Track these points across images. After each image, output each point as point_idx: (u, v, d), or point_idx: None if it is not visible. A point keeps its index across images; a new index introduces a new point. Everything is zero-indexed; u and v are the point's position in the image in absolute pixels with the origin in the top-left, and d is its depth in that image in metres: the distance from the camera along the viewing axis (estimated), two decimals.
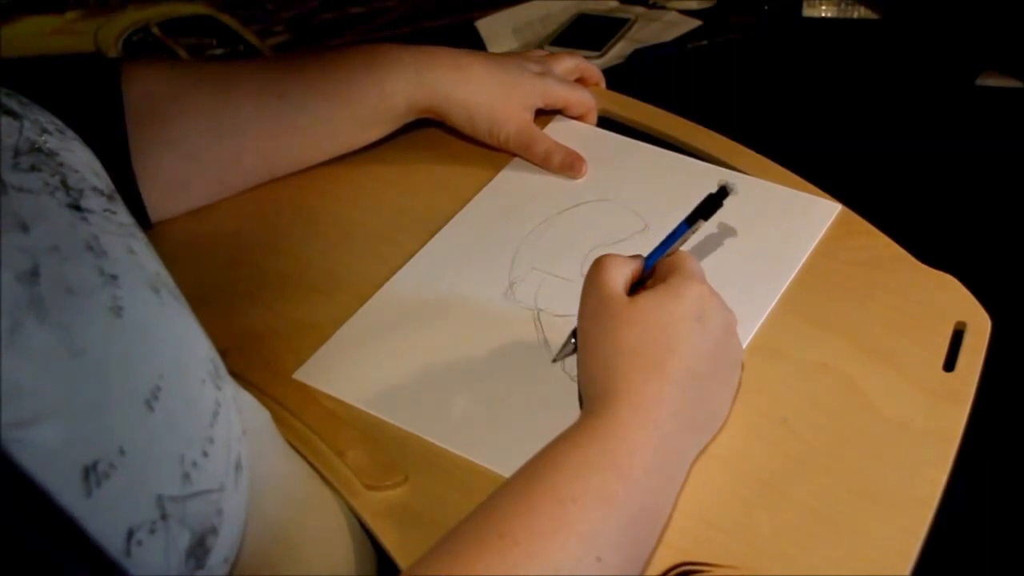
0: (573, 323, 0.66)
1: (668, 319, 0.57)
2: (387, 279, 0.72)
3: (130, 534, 0.40)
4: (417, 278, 0.72)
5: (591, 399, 0.57)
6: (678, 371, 0.56)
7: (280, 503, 0.56)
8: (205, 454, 0.45)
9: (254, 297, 0.72)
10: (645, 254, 0.62)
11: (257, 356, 0.67)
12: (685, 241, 0.63)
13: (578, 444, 0.54)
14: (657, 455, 0.54)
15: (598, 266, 0.60)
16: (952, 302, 0.66)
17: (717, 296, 0.60)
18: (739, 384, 0.62)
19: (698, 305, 0.58)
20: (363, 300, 0.70)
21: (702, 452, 0.59)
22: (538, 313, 0.68)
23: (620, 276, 0.60)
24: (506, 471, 0.59)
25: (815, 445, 0.59)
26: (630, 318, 0.57)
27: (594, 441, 0.53)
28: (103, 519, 0.39)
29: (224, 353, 0.65)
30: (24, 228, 0.42)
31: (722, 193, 0.62)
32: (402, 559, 0.56)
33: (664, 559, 0.54)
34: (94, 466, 0.39)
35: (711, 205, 0.62)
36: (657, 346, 0.56)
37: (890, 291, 0.68)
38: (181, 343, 0.48)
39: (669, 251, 0.62)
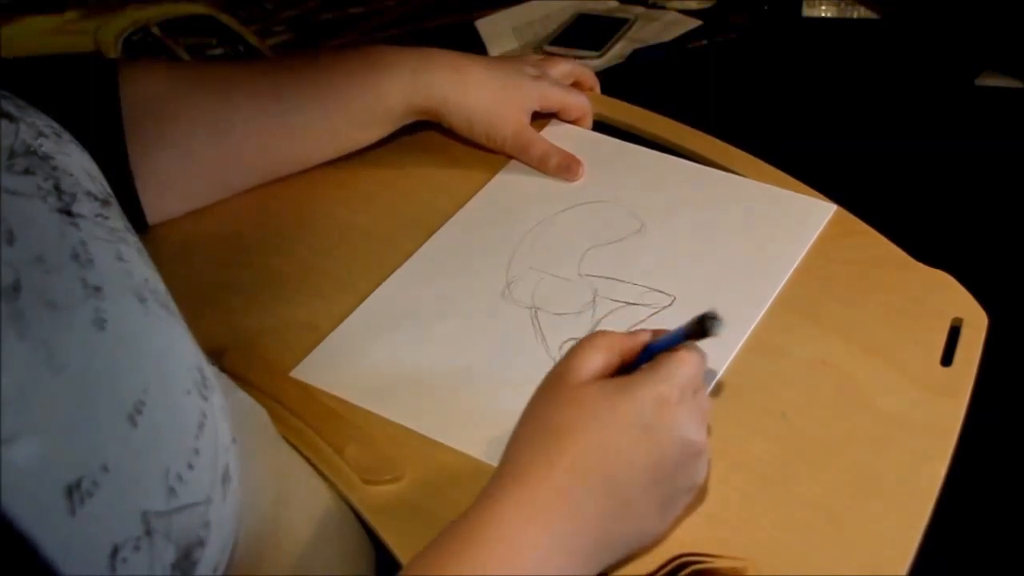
0: (571, 322, 0.66)
1: (608, 415, 0.51)
2: (385, 279, 0.72)
3: (115, 552, 0.39)
4: (415, 277, 0.72)
5: (494, 477, 0.51)
6: (594, 474, 0.50)
7: (277, 501, 0.56)
8: (191, 467, 0.44)
9: (252, 298, 0.72)
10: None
11: (255, 356, 0.67)
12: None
13: (447, 554, 0.49)
14: (543, 559, 0.49)
15: (577, 344, 0.55)
16: (949, 300, 0.66)
17: (688, 414, 0.52)
18: (686, 506, 0.55)
19: (653, 413, 0.51)
20: (361, 300, 0.70)
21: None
22: (535, 311, 0.69)
23: (595, 357, 0.54)
24: None
25: (814, 440, 0.60)
26: (571, 398, 0.52)
27: (467, 545, 0.49)
28: (87, 538, 0.38)
29: (222, 353, 0.66)
30: (10, 238, 0.42)
31: (703, 327, 0.53)
32: (402, 554, 0.56)
33: (663, 552, 0.54)
34: (77, 484, 0.38)
35: (698, 331, 0.54)
36: (581, 438, 0.50)
37: (887, 289, 0.68)
38: (166, 354, 0.47)
39: (669, 349, 0.55)
